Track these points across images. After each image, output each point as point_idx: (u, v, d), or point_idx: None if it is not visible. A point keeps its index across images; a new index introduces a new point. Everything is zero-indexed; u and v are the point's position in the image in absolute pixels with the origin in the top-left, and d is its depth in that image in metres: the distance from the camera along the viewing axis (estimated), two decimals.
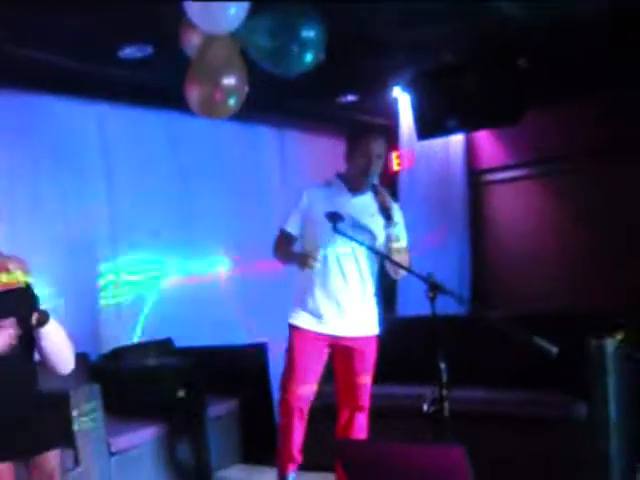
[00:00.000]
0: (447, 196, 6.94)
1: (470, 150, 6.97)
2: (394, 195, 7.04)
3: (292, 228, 4.07)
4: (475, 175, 7.01)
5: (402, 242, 3.97)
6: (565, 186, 6.56)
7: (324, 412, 4.21)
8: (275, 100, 5.87)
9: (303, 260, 3.85)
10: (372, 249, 3.84)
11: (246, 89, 3.68)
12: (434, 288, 3.15)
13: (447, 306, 5.60)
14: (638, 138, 6.00)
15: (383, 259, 3.92)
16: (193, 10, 3.38)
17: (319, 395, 4.13)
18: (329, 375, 4.15)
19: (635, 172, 6.09)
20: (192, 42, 3.64)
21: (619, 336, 4.48)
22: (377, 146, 3.99)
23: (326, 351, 4.05)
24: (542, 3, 4.44)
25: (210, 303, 5.91)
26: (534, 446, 4.41)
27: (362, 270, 3.99)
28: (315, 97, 6.01)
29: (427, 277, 3.17)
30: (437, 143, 6.76)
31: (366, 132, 4.13)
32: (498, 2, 4.42)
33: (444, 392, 3.23)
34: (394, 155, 7.19)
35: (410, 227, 6.79)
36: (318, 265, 3.84)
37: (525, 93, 5.70)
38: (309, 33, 3.57)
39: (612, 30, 4.90)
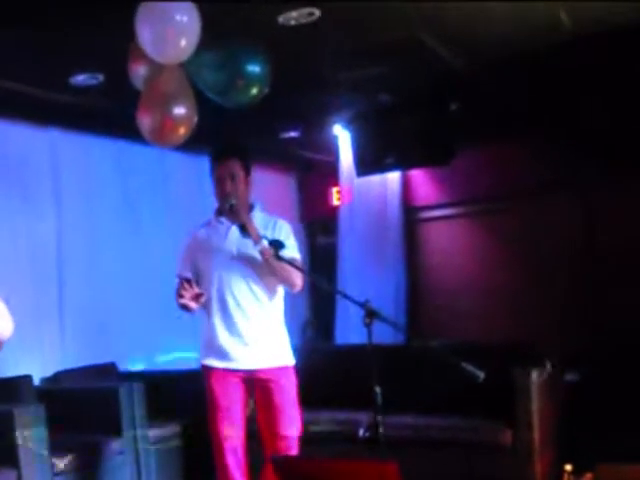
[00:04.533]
0: (384, 231, 7.10)
1: (406, 187, 7.14)
2: (333, 228, 7.29)
3: (186, 272, 3.90)
4: (410, 212, 7.18)
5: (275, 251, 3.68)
6: (496, 224, 6.78)
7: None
8: (219, 133, 6.02)
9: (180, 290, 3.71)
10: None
11: (195, 118, 3.73)
12: (370, 314, 3.24)
13: (384, 336, 5.80)
14: (567, 178, 6.27)
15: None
16: (144, 39, 3.42)
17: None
18: None
19: (563, 211, 6.35)
20: (139, 72, 3.69)
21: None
22: (222, 169, 3.87)
23: (242, 387, 3.88)
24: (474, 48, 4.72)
25: (160, 327, 5.96)
26: (462, 471, 4.56)
27: (260, 300, 3.84)
28: (259, 132, 6.17)
29: (364, 304, 3.26)
30: (375, 180, 6.94)
31: (213, 157, 3.97)
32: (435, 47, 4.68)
33: (379, 416, 3.25)
34: (334, 190, 7.41)
35: (348, 260, 7.09)
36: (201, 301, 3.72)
37: (457, 135, 5.97)
38: (254, 68, 3.68)
39: (535, 74, 5.19)
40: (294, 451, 3.87)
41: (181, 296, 3.71)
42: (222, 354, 3.86)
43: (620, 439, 4.75)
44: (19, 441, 3.97)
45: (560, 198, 6.38)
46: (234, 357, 3.85)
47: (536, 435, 4.52)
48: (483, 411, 4.73)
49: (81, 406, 4.69)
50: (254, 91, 3.78)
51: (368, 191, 7.08)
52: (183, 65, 3.66)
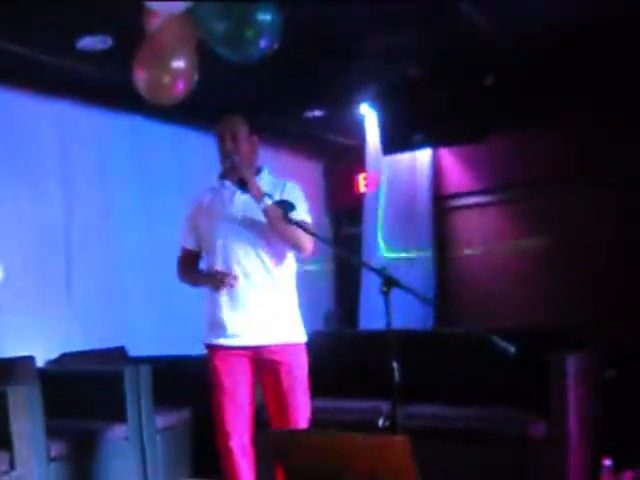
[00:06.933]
0: (413, 219, 6.86)
1: (436, 174, 6.88)
2: (359, 215, 7.03)
3: (190, 243, 3.71)
4: (441, 199, 6.94)
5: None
6: (529, 211, 6.51)
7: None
8: (238, 111, 5.78)
9: (217, 280, 3.51)
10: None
11: (195, 75, 3.54)
12: (388, 282, 2.97)
13: (410, 321, 5.54)
14: (603, 162, 5.99)
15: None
16: None
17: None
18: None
19: (599, 196, 6.07)
20: (154, 24, 3.53)
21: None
22: (223, 126, 3.64)
23: (248, 367, 3.59)
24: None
25: (171, 311, 5.76)
26: (492, 465, 4.27)
27: (269, 269, 3.56)
28: (281, 111, 5.93)
29: (381, 270, 3.00)
30: (404, 167, 6.73)
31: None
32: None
33: (397, 395, 2.99)
34: (361, 177, 7.16)
35: (375, 248, 6.83)
36: (238, 282, 3.50)
37: (491, 112, 5.72)
38: (264, 17, 3.42)
39: (576, 54, 4.93)
40: (303, 418, 3.61)
41: (223, 286, 3.50)
42: (226, 329, 3.56)
43: None
44: (12, 422, 3.77)
45: (596, 183, 6.06)
46: (238, 332, 3.54)
47: (572, 427, 4.22)
48: (515, 401, 4.45)
49: (84, 389, 4.49)
50: (264, 43, 3.53)
51: (397, 178, 6.86)
52: (190, 17, 3.45)
